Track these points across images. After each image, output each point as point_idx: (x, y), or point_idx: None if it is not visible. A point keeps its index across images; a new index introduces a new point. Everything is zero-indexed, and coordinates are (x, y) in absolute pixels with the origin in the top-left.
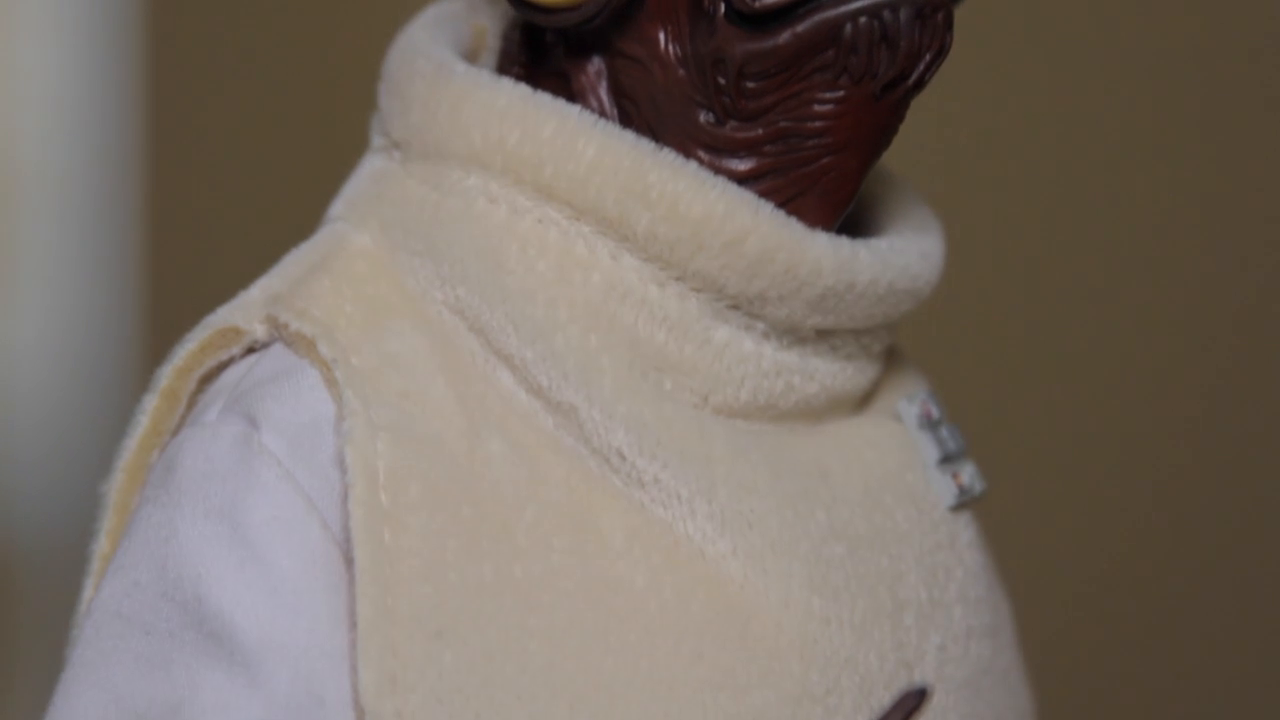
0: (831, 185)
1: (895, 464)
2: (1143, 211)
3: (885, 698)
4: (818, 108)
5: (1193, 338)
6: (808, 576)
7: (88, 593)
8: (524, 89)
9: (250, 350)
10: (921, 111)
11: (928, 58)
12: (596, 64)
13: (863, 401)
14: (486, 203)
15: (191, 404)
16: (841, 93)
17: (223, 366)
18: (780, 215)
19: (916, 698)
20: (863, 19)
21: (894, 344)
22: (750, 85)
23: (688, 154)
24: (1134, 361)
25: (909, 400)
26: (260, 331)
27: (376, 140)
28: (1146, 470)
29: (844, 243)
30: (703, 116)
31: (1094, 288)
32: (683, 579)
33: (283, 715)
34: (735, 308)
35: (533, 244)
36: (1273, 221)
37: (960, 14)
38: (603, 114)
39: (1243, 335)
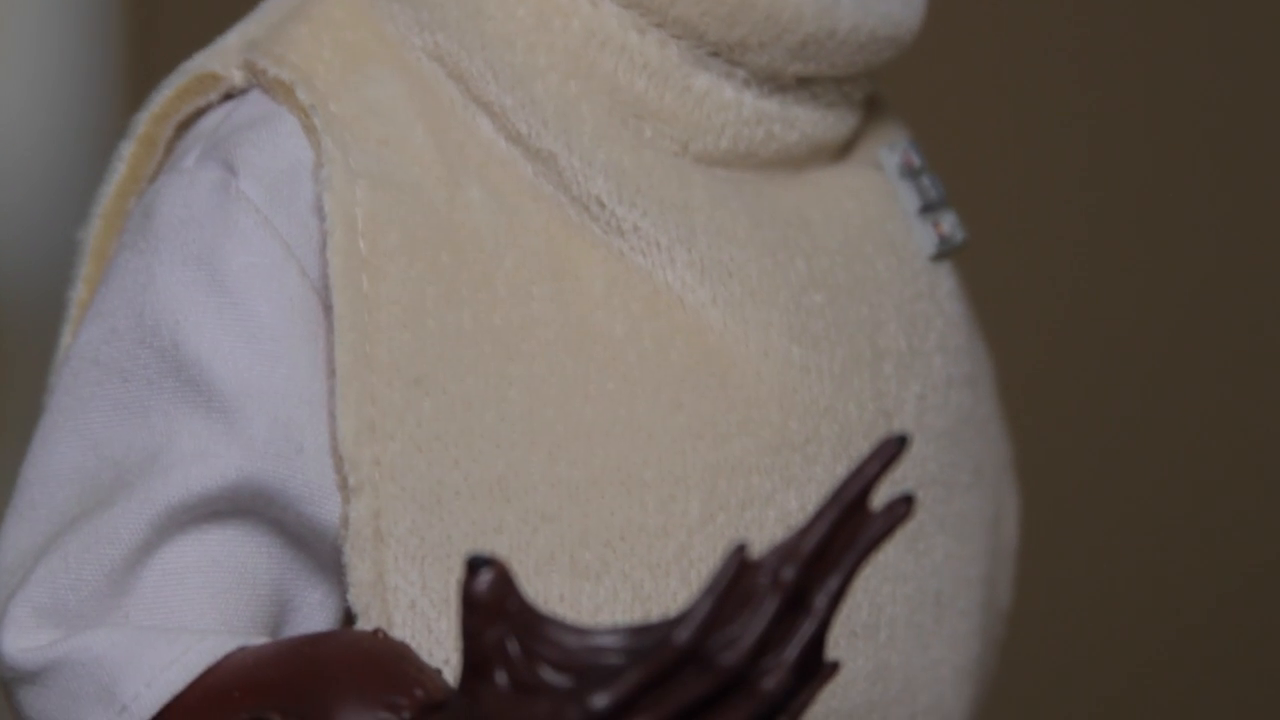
0: None
1: (876, 212)
2: None
3: (864, 446)
4: None
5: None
6: (787, 325)
7: (65, 339)
8: None
9: (228, 97)
10: None
11: None
12: None
13: (844, 150)
14: None
15: (169, 150)
16: None
17: (200, 113)
18: None
19: (895, 445)
20: None
21: (875, 92)
22: None
23: None
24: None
25: (890, 149)
26: (238, 77)
27: None
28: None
29: None
30: None
31: (1083, 41)
32: (662, 327)
33: (261, 462)
34: (715, 55)
35: None
36: None
37: None
38: None
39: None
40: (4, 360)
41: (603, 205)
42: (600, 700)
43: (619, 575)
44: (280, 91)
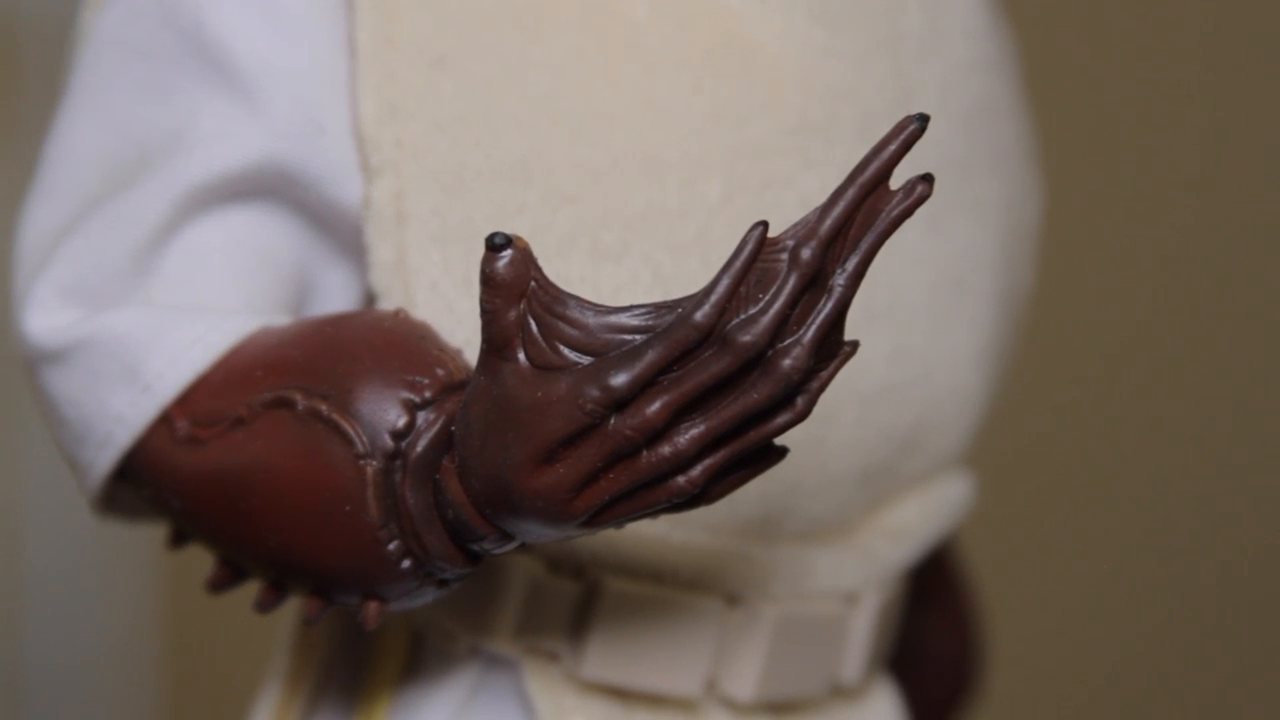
0: None
1: None
2: None
3: (885, 129)
4: None
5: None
6: (808, 8)
7: (84, 18)
8: None
9: None
10: None
11: None
12: None
13: None
14: None
15: None
16: None
17: None
18: None
19: (916, 125)
20: None
21: None
22: None
23: None
24: None
25: None
26: None
27: None
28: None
29: None
30: None
31: None
32: (683, 10)
33: (283, 142)
34: None
35: None
36: None
37: None
38: None
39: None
40: (29, 80)
41: None
42: (619, 378)
43: (639, 256)
44: None
